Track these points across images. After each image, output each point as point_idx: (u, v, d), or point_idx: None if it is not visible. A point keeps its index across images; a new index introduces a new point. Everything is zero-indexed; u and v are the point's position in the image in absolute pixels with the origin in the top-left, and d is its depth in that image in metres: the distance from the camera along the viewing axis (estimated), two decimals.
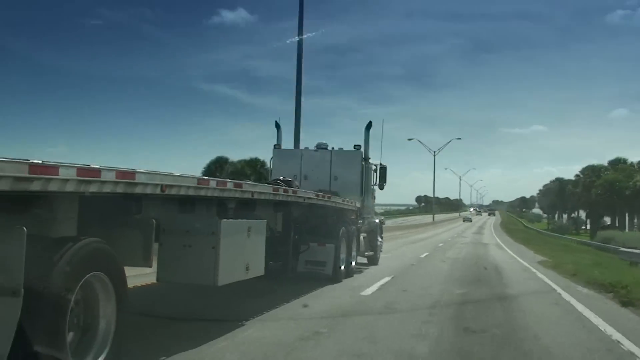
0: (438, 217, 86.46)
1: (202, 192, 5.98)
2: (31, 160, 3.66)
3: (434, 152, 70.90)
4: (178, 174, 5.47)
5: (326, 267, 11.66)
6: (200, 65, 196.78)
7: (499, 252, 26.83)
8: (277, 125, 15.84)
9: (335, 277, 11.71)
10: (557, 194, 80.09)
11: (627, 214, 55.68)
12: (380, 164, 16.18)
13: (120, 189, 4.52)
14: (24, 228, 3.58)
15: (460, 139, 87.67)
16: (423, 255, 21.93)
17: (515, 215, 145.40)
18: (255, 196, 7.56)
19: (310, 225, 11.67)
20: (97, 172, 4.26)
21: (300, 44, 22.49)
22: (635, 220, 57.95)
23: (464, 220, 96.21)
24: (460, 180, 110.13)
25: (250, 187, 7.55)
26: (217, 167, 43.68)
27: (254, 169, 43.27)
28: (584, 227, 72.07)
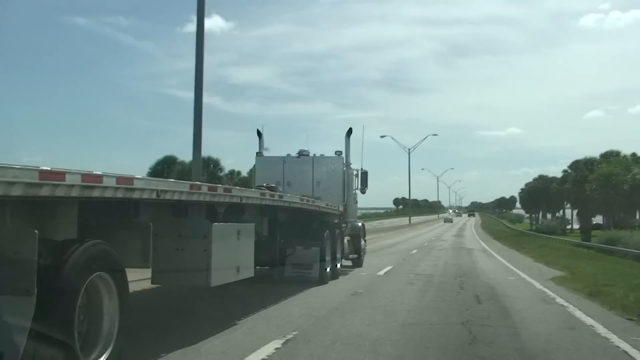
0: (416, 219, 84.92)
1: (194, 197, 6.28)
2: (41, 167, 3.93)
3: (409, 149, 71.20)
4: (172, 180, 5.76)
5: (312, 270, 11.97)
6: (175, 74, 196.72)
7: (490, 263, 20.29)
8: (259, 134, 16.14)
9: (321, 280, 12.02)
10: (541, 191, 76.77)
11: (622, 212, 50.94)
12: (362, 169, 16.62)
13: (120, 194, 4.80)
14: (36, 231, 3.84)
15: (436, 134, 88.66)
16: (383, 272, 15.32)
17: (495, 217, 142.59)
18: (244, 201, 7.86)
19: (295, 230, 11.96)
20: (99, 177, 4.53)
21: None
22: (638, 216, 52.56)
23: (445, 221, 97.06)
24: (438, 180, 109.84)
25: (239, 192, 7.86)
26: (165, 167, 42.06)
27: (205, 169, 41.62)
28: (569, 227, 67.58)
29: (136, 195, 5.08)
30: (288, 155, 15.66)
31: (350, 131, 15.96)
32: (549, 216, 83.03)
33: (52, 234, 4.51)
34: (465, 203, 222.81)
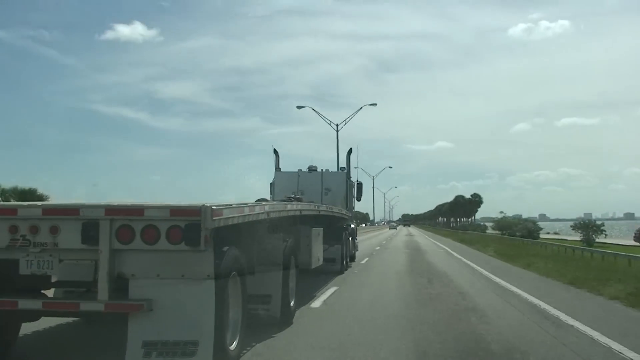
0: None
1: (309, 212, 10.01)
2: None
3: (337, 125, 63.36)
4: (305, 202, 9.50)
5: (336, 262, 15.75)
6: (100, 88, 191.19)
7: None
8: (275, 152, 19.76)
9: (342, 270, 15.84)
10: None
11: None
12: (357, 181, 20.48)
13: (291, 213, 8.53)
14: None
15: (375, 104, 60.90)
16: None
17: (443, 227, 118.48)
18: (322, 213, 11.60)
19: (324, 231, 15.67)
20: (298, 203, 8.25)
21: None
22: None
23: (390, 229, 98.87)
24: (373, 180, 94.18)
25: (318, 207, 11.61)
26: None
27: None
28: None
29: (291, 213, 8.78)
30: (300, 170, 19.31)
31: (350, 151, 19.87)
32: None
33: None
34: (397, 215, 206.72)
